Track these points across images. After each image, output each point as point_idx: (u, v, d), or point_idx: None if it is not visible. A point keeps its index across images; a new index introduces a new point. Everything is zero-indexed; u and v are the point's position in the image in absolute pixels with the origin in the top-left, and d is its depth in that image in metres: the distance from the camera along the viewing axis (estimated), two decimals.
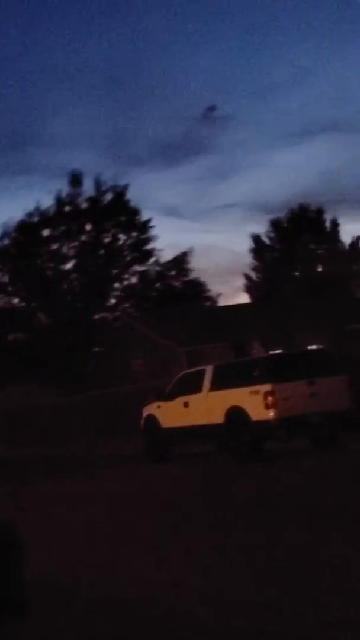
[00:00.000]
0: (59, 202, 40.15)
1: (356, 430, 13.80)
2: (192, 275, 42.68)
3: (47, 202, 42.40)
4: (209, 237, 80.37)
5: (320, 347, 18.06)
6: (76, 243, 40.75)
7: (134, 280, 42.16)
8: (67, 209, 40.44)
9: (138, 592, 5.59)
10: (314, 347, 27.54)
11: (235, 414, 13.59)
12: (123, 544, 7.55)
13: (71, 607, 5.40)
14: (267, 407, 12.99)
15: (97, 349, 39.73)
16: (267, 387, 13.08)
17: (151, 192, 76.22)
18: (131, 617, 5.05)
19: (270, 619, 4.58)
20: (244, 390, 13.53)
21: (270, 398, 12.97)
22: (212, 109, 78.13)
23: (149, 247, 41.57)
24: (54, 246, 40.61)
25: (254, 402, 13.22)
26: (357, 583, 5.17)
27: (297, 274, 54.21)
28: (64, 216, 40.21)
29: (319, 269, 54.67)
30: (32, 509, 10.39)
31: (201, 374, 15.22)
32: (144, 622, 4.90)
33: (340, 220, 56.20)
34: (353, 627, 4.31)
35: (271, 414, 12.95)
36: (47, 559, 6.76)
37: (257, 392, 13.20)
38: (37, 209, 39.91)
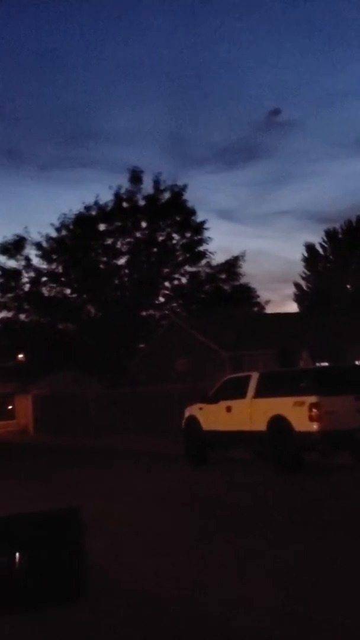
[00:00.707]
0: (118, 197, 40.55)
1: None
2: (242, 280, 42.63)
3: (106, 196, 42.89)
4: (261, 242, 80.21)
5: None
6: (131, 239, 41.09)
7: (184, 280, 42.32)
8: (124, 204, 40.80)
9: (168, 589, 5.69)
10: None
11: (278, 424, 13.57)
12: (153, 540, 7.66)
13: (116, 596, 5.53)
14: (312, 419, 12.94)
15: (142, 345, 40.02)
16: (312, 398, 13.03)
17: (207, 194, 76.54)
18: (165, 612, 5.15)
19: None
20: (289, 400, 13.50)
21: (315, 410, 12.92)
22: (276, 112, 77.87)
23: (201, 248, 41.68)
24: (109, 241, 41.02)
25: (298, 412, 13.18)
26: None
27: (348, 286, 53.64)
28: (121, 212, 40.57)
29: None
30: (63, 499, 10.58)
31: (246, 379, 15.23)
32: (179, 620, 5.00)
33: None
34: None
35: (315, 426, 12.90)
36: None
37: (302, 403, 13.15)
38: (95, 202, 40.39)
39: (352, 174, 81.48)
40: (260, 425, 14.00)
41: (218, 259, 42.30)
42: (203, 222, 41.61)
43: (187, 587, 5.80)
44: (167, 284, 42.35)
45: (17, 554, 5.10)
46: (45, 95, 76.90)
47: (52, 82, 77.94)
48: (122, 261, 41.37)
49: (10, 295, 40.49)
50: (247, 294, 42.69)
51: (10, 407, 38.87)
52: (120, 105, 79.93)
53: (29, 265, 40.66)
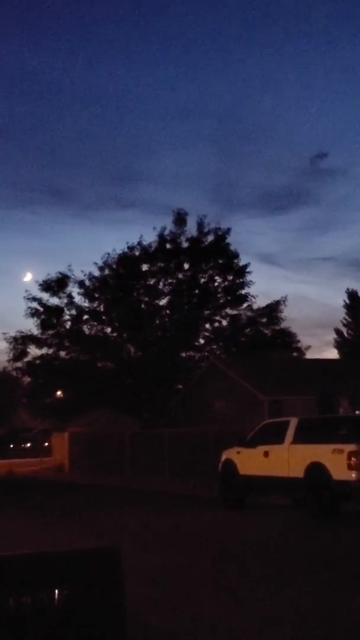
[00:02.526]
0: (161, 238, 41.07)
1: None
2: (283, 325, 42.50)
3: (150, 237, 43.44)
4: (303, 287, 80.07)
5: None
6: (173, 280, 41.44)
7: (224, 322, 42.37)
8: (168, 246, 41.28)
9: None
10: None
11: (316, 471, 13.43)
12: (186, 585, 7.62)
13: None
14: (350, 467, 12.78)
15: (180, 386, 40.00)
16: (352, 447, 12.89)
17: (250, 237, 77.06)
18: None
19: None
20: (327, 448, 13.37)
21: (354, 459, 12.77)
22: (322, 155, 78.29)
23: (243, 291, 41.79)
24: (151, 281, 41.43)
25: (337, 460, 13.03)
26: None
27: None
28: (164, 253, 41.04)
29: None
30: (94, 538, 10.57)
31: (285, 424, 15.14)
32: None
33: None
34: None
35: (353, 474, 12.73)
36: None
37: (341, 451, 13.01)
38: (139, 243, 40.96)
39: None
40: (298, 472, 13.86)
41: (259, 302, 42.34)
42: (245, 266, 41.81)
43: (223, 634, 5.76)
44: (207, 325, 42.46)
45: (56, 592, 5.09)
46: (93, 137, 78.95)
47: (101, 123, 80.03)
48: (163, 302, 41.69)
49: (51, 332, 41.01)
50: (287, 339, 42.50)
51: (47, 444, 39.05)
52: (166, 148, 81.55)
53: (71, 303, 41.23)
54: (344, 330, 57.99)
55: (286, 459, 14.42)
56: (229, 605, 6.72)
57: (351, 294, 57.29)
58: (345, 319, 57.90)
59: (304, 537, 11.40)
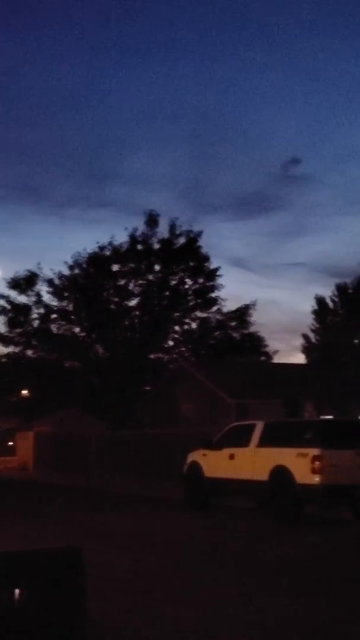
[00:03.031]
0: (133, 239, 41.04)
1: None
2: (252, 329, 42.78)
3: (121, 237, 43.38)
4: (272, 292, 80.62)
5: None
6: (143, 281, 41.45)
7: (194, 325, 42.52)
8: (139, 247, 41.28)
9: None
10: None
11: (280, 474, 13.53)
12: (145, 584, 7.63)
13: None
14: (314, 471, 12.90)
15: (148, 388, 39.99)
16: (315, 451, 13.00)
17: (222, 241, 77.28)
18: None
19: None
20: (292, 451, 13.47)
21: (317, 463, 12.89)
22: (296, 161, 78.82)
23: (213, 294, 41.97)
24: (121, 281, 41.39)
25: (301, 464, 13.14)
26: None
27: (356, 341, 53.64)
28: (135, 253, 41.03)
29: None
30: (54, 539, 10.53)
31: (251, 428, 15.22)
32: None
33: None
34: None
35: (317, 478, 12.85)
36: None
37: (305, 455, 13.12)
38: (110, 243, 40.88)
39: None
40: (262, 475, 13.95)
41: (229, 306, 42.59)
42: (216, 269, 42.03)
43: (182, 632, 5.77)
44: (177, 328, 42.56)
45: (16, 592, 5.07)
46: (66, 135, 78.55)
47: (74, 122, 79.66)
48: (133, 303, 41.68)
49: (18, 330, 40.70)
50: (255, 343, 42.80)
51: (11, 443, 38.72)
52: (140, 149, 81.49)
53: (39, 301, 40.99)
54: (312, 335, 58.47)
55: (251, 462, 14.50)
56: (186, 605, 6.74)
57: (319, 300, 57.78)
58: (313, 325, 58.37)
59: (265, 540, 11.47)
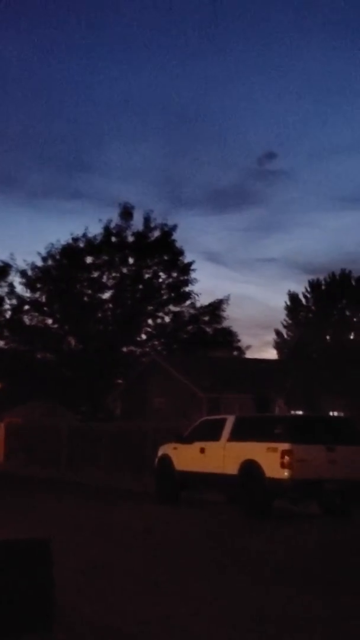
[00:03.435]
0: (107, 231, 40.92)
1: None
2: (225, 323, 42.95)
3: (95, 229, 43.19)
4: (246, 287, 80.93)
5: (344, 415, 18.04)
6: (117, 274, 41.37)
7: (167, 319, 42.57)
8: (113, 239, 41.17)
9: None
10: (336, 414, 27.50)
11: (250, 468, 13.63)
12: (113, 576, 7.67)
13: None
14: (283, 465, 13.02)
15: (120, 381, 39.97)
16: (285, 446, 13.13)
17: (196, 235, 77.57)
18: None
19: None
20: (262, 446, 13.59)
21: (287, 457, 13.01)
22: (271, 155, 79.05)
23: (187, 289, 42.04)
24: (95, 274, 41.26)
25: (271, 459, 13.26)
26: None
27: (328, 337, 54.18)
28: (109, 246, 40.91)
29: (351, 337, 54.55)
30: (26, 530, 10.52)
31: (222, 422, 15.31)
32: None
33: None
34: None
35: (286, 473, 12.98)
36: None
37: (274, 450, 13.24)
38: (84, 235, 40.71)
39: (340, 228, 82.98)
40: (232, 469, 14.05)
41: (202, 300, 42.69)
42: (190, 263, 42.09)
43: (147, 626, 5.82)
44: (150, 321, 42.57)
45: None
46: (41, 125, 77.93)
47: (48, 112, 79.08)
48: (106, 295, 41.62)
49: None
50: (228, 338, 42.98)
51: None
52: (115, 140, 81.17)
53: (12, 292, 40.72)
54: (284, 331, 58.96)
55: (222, 456, 14.59)
56: (151, 595, 6.80)
57: (292, 296, 58.27)
58: (286, 321, 58.90)
59: (234, 533, 11.58)
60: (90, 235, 40.66)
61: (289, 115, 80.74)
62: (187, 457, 15.74)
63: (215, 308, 42.39)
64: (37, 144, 79.36)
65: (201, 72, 77.44)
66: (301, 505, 13.94)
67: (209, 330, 42.64)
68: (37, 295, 41.15)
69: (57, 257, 40.71)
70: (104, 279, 41.42)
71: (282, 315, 59.24)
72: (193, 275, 41.95)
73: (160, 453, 16.91)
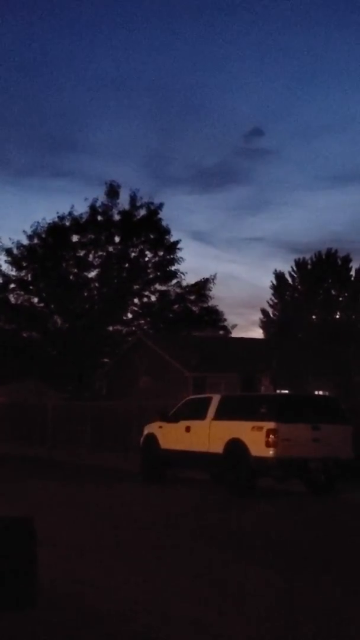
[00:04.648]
0: (93, 210, 40.64)
1: (355, 482, 13.87)
2: (211, 303, 42.92)
3: (81, 208, 42.89)
4: (232, 267, 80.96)
5: (329, 394, 18.12)
6: (103, 253, 41.18)
7: (153, 298, 42.47)
8: (99, 218, 40.92)
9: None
10: (322, 393, 27.66)
11: (235, 447, 13.69)
12: (99, 555, 7.69)
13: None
14: (268, 444, 13.08)
15: (106, 360, 39.95)
16: (270, 424, 13.18)
17: (182, 214, 77.16)
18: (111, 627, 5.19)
19: None
20: (247, 425, 13.63)
21: (272, 436, 13.07)
22: (257, 132, 78.46)
23: (173, 268, 41.93)
24: (81, 252, 41.03)
25: (256, 437, 13.32)
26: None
27: (314, 317, 54.33)
28: (95, 224, 40.66)
29: (337, 316, 54.72)
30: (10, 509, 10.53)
31: (207, 401, 15.34)
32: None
33: None
34: None
35: (271, 452, 13.04)
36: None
37: (259, 429, 13.29)
38: (70, 213, 40.41)
39: (326, 207, 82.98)
40: (218, 447, 14.10)
41: (188, 279, 42.61)
42: (176, 242, 41.93)
43: (130, 603, 5.85)
44: (136, 300, 42.47)
45: None
46: (26, 103, 77.00)
47: (34, 90, 78.09)
48: (92, 274, 41.43)
49: None
50: (214, 317, 42.98)
51: None
52: (101, 118, 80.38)
53: None
54: (270, 310, 59.05)
55: (207, 435, 14.63)
56: (135, 574, 6.82)
57: (278, 276, 58.25)
58: (272, 300, 58.93)
59: (217, 510, 11.65)
60: (76, 213, 40.41)
61: (275, 94, 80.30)
62: (172, 435, 15.78)
63: (202, 287, 42.34)
64: (23, 123, 78.55)
65: (188, 50, 76.71)
66: (286, 483, 14.03)
67: (195, 310, 42.60)
68: (22, 274, 40.92)
69: (43, 235, 40.43)
70: (90, 257, 41.22)
71: (268, 294, 59.29)
72: (179, 254, 41.86)
73: (145, 432, 16.94)
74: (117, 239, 41.33)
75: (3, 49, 74.95)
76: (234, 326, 45.44)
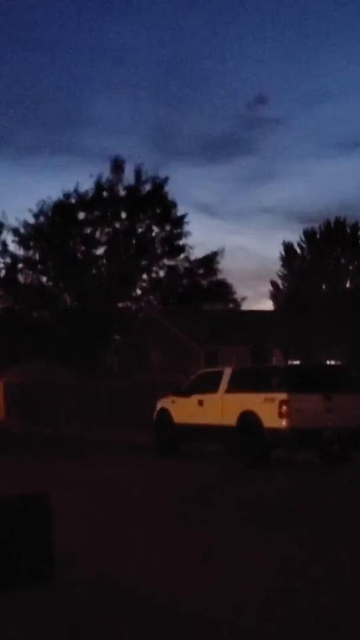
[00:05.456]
0: (98, 186, 40.46)
1: None
2: (220, 276, 42.79)
3: (86, 185, 42.66)
4: (240, 239, 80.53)
5: (340, 363, 18.07)
6: (110, 230, 41.04)
7: (161, 273, 42.41)
8: (105, 194, 40.72)
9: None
10: (333, 362, 27.62)
11: (248, 419, 13.71)
12: (118, 529, 7.74)
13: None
14: (281, 415, 13.08)
15: (116, 337, 40.02)
16: (283, 396, 13.17)
17: (188, 187, 76.72)
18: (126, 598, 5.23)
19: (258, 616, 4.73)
20: (260, 396, 13.63)
21: (284, 407, 13.06)
22: (262, 100, 77.47)
23: (180, 242, 41.77)
24: (88, 230, 40.92)
25: (268, 409, 13.32)
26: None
27: (324, 287, 54.08)
28: (101, 201, 40.48)
29: (347, 285, 54.44)
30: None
31: (219, 374, 15.35)
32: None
33: None
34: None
35: (284, 423, 13.04)
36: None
37: (272, 400, 13.29)
38: (75, 190, 40.24)
39: (334, 175, 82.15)
40: (231, 420, 14.13)
41: (196, 253, 42.45)
42: (183, 216, 41.74)
43: (154, 576, 5.88)
44: (144, 276, 42.40)
45: None
46: (29, 79, 76.35)
47: (36, 66, 77.32)
48: (100, 251, 41.35)
49: None
50: (223, 290, 42.91)
51: None
52: (104, 93, 79.55)
53: (5, 250, 40.46)
54: (279, 282, 58.81)
55: (220, 408, 14.66)
56: (151, 549, 6.86)
57: (287, 246, 57.91)
58: (281, 271, 58.65)
59: (232, 483, 11.69)
60: (81, 191, 40.22)
61: (280, 61, 79.11)
62: (185, 409, 15.81)
63: (210, 261, 42.21)
64: (25, 100, 77.92)
65: (189, 20, 75.60)
66: (300, 454, 14.06)
67: (204, 283, 42.53)
68: (30, 253, 40.89)
69: (49, 214, 40.32)
70: (97, 234, 41.11)
71: (277, 265, 58.97)
72: (186, 228, 41.68)
73: (158, 407, 16.98)
74: (123, 215, 41.19)
75: (3, 25, 74.15)
76: (244, 299, 45.38)
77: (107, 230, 41.03)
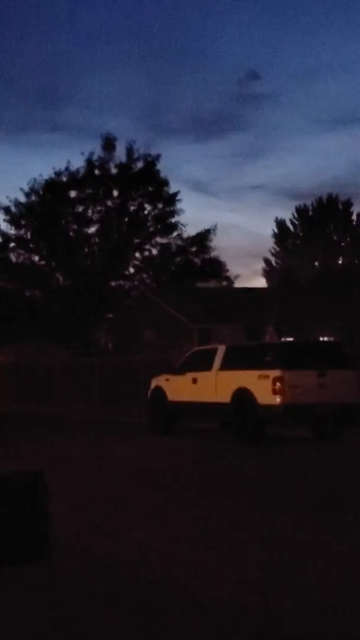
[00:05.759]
0: (90, 164, 40.08)
1: None
2: (213, 254, 42.60)
3: (77, 162, 42.31)
4: (232, 216, 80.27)
5: (333, 339, 18.13)
6: (102, 208, 40.75)
7: (154, 251, 42.16)
8: (96, 172, 40.37)
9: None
10: (326, 339, 27.68)
11: (242, 396, 13.77)
12: (113, 507, 7.77)
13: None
14: (275, 392, 13.15)
15: (110, 316, 39.95)
16: (276, 372, 13.23)
17: (180, 164, 76.04)
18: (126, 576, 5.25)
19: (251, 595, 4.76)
20: (254, 374, 13.69)
21: (278, 384, 13.13)
22: (254, 77, 76.71)
23: (173, 220, 41.50)
24: (80, 208, 40.62)
25: (262, 386, 13.38)
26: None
27: (316, 263, 54.10)
28: (92, 179, 40.15)
29: (340, 261, 54.49)
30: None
31: (213, 352, 15.39)
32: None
33: None
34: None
35: (278, 399, 13.11)
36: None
37: (266, 377, 13.35)
38: (66, 168, 39.88)
39: (326, 151, 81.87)
40: (225, 397, 14.18)
41: (189, 231, 42.18)
42: (175, 194, 41.40)
43: (144, 552, 5.91)
44: (137, 254, 42.17)
45: None
46: (17, 57, 75.39)
47: (25, 43, 76.35)
48: (92, 230, 41.06)
49: None
50: (216, 268, 42.72)
51: None
52: (94, 69, 78.79)
53: None
54: (272, 259, 58.77)
55: (214, 385, 14.71)
56: (145, 527, 6.89)
57: (280, 223, 57.79)
58: (274, 248, 58.61)
59: (227, 459, 11.75)
60: (72, 168, 39.85)
61: (271, 37, 78.35)
62: (179, 387, 15.86)
63: (203, 238, 41.96)
64: (14, 77, 77.00)
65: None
66: (293, 430, 14.14)
67: (197, 261, 42.32)
68: (22, 232, 40.61)
69: (41, 192, 39.98)
70: (89, 213, 40.80)
71: (270, 243, 58.95)
72: (179, 205, 41.35)
73: (153, 385, 17.02)
74: (115, 193, 40.84)
75: None
76: (237, 276, 45.20)
77: (99, 208, 40.73)
